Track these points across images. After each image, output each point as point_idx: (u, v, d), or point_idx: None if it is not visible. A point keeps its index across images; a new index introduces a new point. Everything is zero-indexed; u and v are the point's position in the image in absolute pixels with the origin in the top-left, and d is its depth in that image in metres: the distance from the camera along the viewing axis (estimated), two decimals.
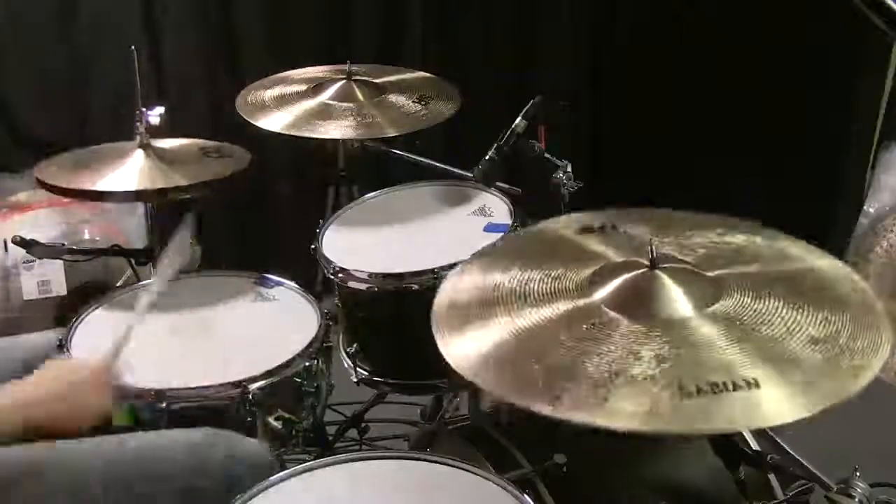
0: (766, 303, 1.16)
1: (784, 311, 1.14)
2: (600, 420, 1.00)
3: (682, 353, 1.08)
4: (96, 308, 1.86)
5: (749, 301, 1.16)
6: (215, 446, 1.44)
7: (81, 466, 1.37)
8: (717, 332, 1.11)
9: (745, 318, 1.14)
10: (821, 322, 1.12)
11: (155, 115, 2.11)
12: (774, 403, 1.00)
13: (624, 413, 1.00)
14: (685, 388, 1.01)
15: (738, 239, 1.33)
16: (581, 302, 1.20)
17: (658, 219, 1.40)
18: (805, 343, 1.09)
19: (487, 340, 1.16)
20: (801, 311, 1.14)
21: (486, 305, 1.23)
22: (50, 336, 1.74)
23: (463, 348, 1.16)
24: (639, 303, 1.17)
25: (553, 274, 1.27)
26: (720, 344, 1.09)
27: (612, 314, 1.16)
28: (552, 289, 1.24)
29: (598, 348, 1.10)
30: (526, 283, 1.25)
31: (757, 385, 1.01)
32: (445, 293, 1.29)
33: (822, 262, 1.26)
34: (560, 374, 1.06)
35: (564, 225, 1.43)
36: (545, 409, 1.02)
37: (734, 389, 1.01)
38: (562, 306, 1.19)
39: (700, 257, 1.28)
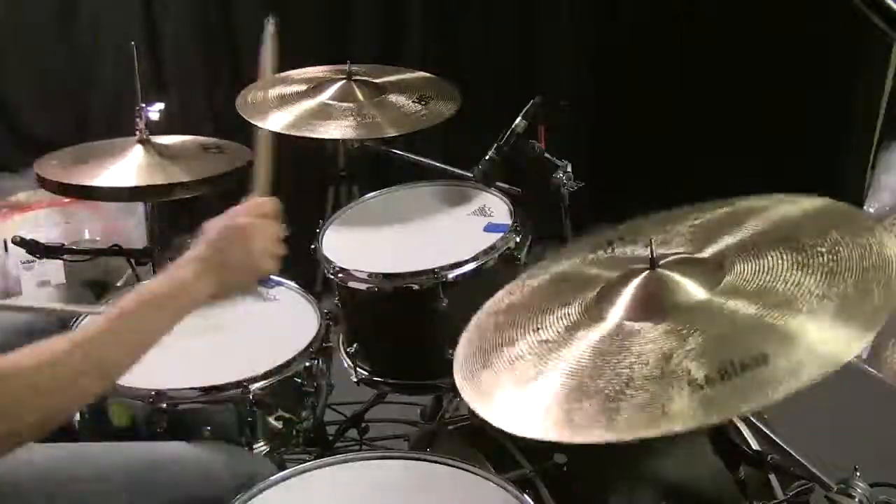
0: (769, 259, 1.16)
1: (788, 259, 1.14)
2: (677, 426, 0.98)
3: (714, 334, 1.07)
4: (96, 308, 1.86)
5: (753, 264, 1.16)
6: (218, 459, 1.44)
7: (80, 470, 1.37)
8: (739, 302, 1.10)
9: (757, 280, 1.14)
10: (826, 255, 1.12)
11: (154, 111, 2.11)
12: (824, 344, 1.00)
13: (685, 415, 0.99)
14: (732, 364, 1.00)
15: (705, 216, 1.33)
16: (602, 325, 1.18)
17: (633, 227, 1.39)
18: (823, 277, 1.08)
19: (541, 399, 1.12)
20: (803, 253, 1.14)
21: (520, 373, 1.18)
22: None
23: (527, 419, 1.12)
24: (656, 305, 1.16)
25: (563, 312, 1.25)
26: (747, 312, 1.08)
27: (636, 324, 1.15)
28: (569, 326, 1.21)
29: (642, 360, 1.08)
30: (539, 335, 1.23)
31: (800, 334, 1.01)
32: (467, 371, 1.24)
33: (791, 206, 1.28)
34: (617, 399, 1.04)
35: (557, 265, 1.41)
36: (631, 436, 1.00)
37: (781, 350, 1.00)
38: (589, 338, 1.17)
39: (684, 245, 1.28)
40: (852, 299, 1.04)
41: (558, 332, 1.21)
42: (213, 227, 1.32)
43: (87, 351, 1.13)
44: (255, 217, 1.37)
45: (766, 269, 1.15)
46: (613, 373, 1.08)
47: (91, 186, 2.00)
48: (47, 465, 1.37)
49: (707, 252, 1.24)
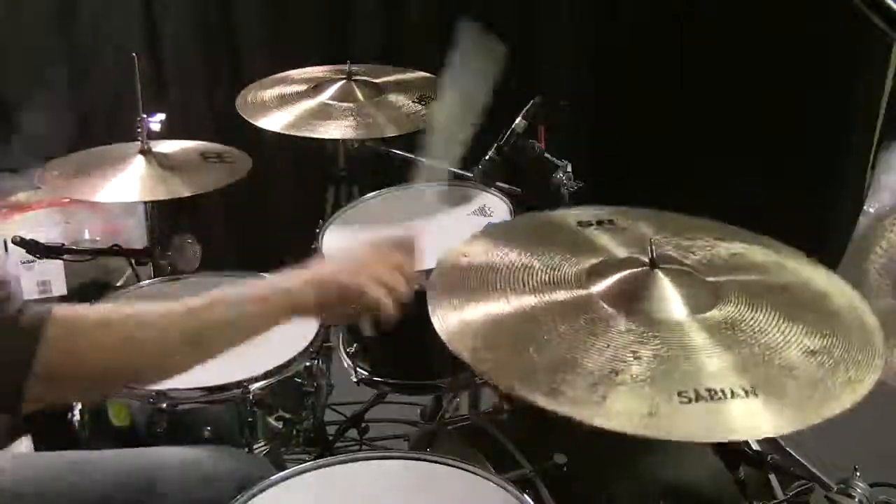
0: (763, 313, 1.16)
1: (780, 322, 1.14)
2: (598, 420, 0.99)
3: (680, 355, 1.08)
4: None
5: (746, 309, 1.17)
6: (219, 462, 1.43)
7: (81, 478, 1.37)
8: (713, 338, 1.11)
9: (741, 325, 1.14)
10: (816, 335, 1.12)
11: (156, 121, 2.11)
12: (770, 414, 1.01)
13: (622, 414, 1.00)
14: (684, 393, 1.01)
15: (738, 247, 1.33)
16: (579, 293, 1.20)
17: (660, 218, 1.40)
18: (801, 354, 1.09)
19: (484, 319, 1.16)
20: (797, 323, 1.14)
21: (484, 285, 1.23)
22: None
23: (458, 324, 1.16)
24: (636, 301, 1.17)
25: (553, 262, 1.27)
26: (718, 349, 1.09)
27: (609, 309, 1.16)
28: (551, 277, 1.24)
29: (595, 343, 1.10)
30: (526, 269, 1.26)
31: (754, 394, 1.01)
32: (444, 268, 1.29)
33: (819, 276, 1.27)
34: (558, 367, 1.06)
35: (568, 216, 1.43)
36: (545, 402, 1.02)
37: (732, 397, 1.01)
38: (560, 296, 1.20)
39: (699, 261, 1.29)
40: (814, 386, 1.04)
41: (541, 281, 1.23)
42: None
43: (174, 324, 1.14)
44: (386, 248, 1.33)
45: (756, 319, 1.15)
46: (575, 343, 1.10)
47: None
48: (46, 475, 1.37)
49: (713, 276, 1.24)
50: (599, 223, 1.39)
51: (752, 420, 1.00)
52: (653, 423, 0.99)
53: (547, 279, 1.24)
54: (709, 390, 1.02)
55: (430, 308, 1.20)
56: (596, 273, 1.24)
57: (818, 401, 1.02)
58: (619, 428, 0.99)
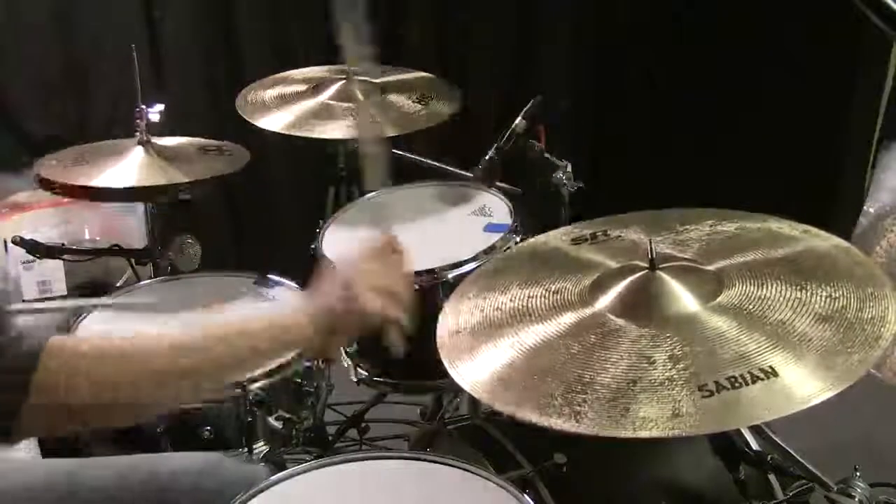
0: (769, 288, 1.16)
1: (788, 293, 1.14)
2: (624, 433, 0.99)
3: (694, 350, 1.07)
4: (96, 308, 1.86)
5: (752, 289, 1.16)
6: (215, 473, 1.42)
7: (80, 486, 1.37)
8: (725, 324, 1.11)
9: (750, 306, 1.13)
10: (825, 299, 1.11)
11: (155, 112, 2.11)
12: (795, 388, 1.00)
13: (647, 421, 0.99)
14: (704, 387, 1.01)
15: (731, 228, 1.33)
16: (585, 312, 1.19)
17: (647, 219, 1.40)
18: (814, 322, 1.08)
19: (498, 362, 1.15)
20: (804, 291, 1.13)
21: (491, 327, 1.22)
22: None
23: (475, 373, 1.15)
24: (644, 305, 1.17)
25: (553, 288, 1.26)
26: (731, 336, 1.09)
27: (618, 321, 1.16)
28: (555, 302, 1.23)
29: (610, 357, 1.09)
30: (528, 300, 1.25)
31: (774, 373, 1.01)
32: (447, 320, 1.28)
33: (818, 241, 1.27)
34: (576, 388, 1.06)
35: (556, 238, 1.43)
36: (568, 426, 1.02)
37: (753, 382, 1.00)
38: (567, 319, 1.19)
39: (696, 251, 1.28)
40: (834, 350, 1.04)
41: (545, 308, 1.23)
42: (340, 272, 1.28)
43: (165, 359, 1.12)
44: (375, 258, 1.30)
45: (764, 296, 1.15)
46: (589, 362, 1.10)
47: (90, 187, 2.00)
48: (45, 483, 1.37)
49: (713, 264, 1.24)
50: (594, 237, 1.39)
51: (776, 400, 0.99)
52: (678, 424, 0.98)
53: (552, 304, 1.24)
54: (729, 379, 1.01)
55: (444, 364, 1.20)
56: (598, 287, 1.23)
57: (840, 365, 1.01)
58: (646, 436, 0.98)
